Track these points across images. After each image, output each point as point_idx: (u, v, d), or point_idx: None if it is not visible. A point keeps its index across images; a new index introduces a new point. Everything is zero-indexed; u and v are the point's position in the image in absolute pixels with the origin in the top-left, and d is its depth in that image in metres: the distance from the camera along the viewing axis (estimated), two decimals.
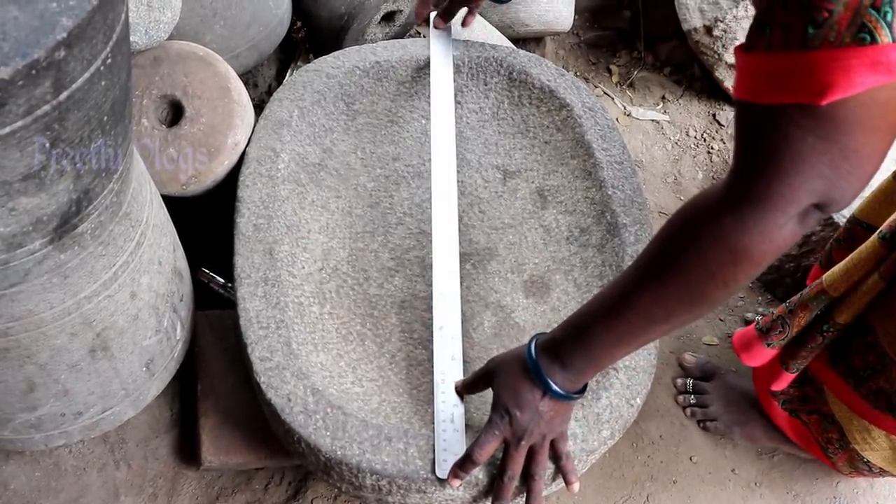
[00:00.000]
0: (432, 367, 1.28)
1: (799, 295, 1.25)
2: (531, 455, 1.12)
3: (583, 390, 1.10)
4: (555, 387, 1.06)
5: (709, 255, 0.90)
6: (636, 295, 0.98)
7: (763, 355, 1.32)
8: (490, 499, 1.14)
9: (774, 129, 0.80)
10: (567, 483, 1.16)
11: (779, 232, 0.86)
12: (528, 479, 1.13)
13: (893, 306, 1.16)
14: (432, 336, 1.30)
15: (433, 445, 1.14)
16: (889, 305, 1.17)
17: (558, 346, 1.07)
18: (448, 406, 1.19)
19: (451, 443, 1.14)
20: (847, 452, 1.35)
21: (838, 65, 0.73)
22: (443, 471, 1.12)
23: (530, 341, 1.10)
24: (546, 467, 1.14)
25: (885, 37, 0.72)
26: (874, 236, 1.15)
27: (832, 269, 1.21)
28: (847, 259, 1.19)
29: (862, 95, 0.75)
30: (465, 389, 1.20)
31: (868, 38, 0.72)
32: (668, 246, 0.95)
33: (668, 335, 1.05)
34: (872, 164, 0.81)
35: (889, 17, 0.71)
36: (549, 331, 1.11)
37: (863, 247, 1.17)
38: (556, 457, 1.15)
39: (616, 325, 1.01)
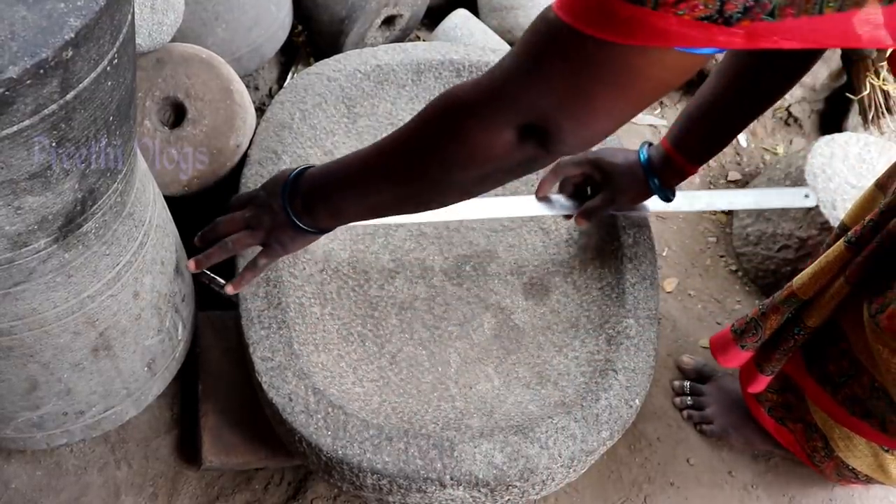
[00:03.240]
0: (432, 367, 1.29)
1: (771, 297, 1.26)
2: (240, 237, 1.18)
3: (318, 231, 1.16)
4: (299, 224, 1.13)
5: (437, 123, 0.95)
6: (370, 159, 1.05)
7: (738, 357, 1.33)
8: None
9: (553, 44, 0.82)
10: (226, 286, 1.23)
11: (497, 133, 0.89)
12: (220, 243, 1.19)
13: (860, 311, 1.17)
14: (432, 337, 1.31)
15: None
16: (857, 311, 1.18)
17: (308, 199, 1.11)
18: None
19: None
20: (832, 460, 1.36)
21: (616, 9, 0.74)
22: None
23: (291, 177, 1.14)
24: (237, 251, 1.20)
25: (649, 3, 0.72)
26: (840, 241, 1.17)
27: (802, 273, 1.22)
28: (815, 262, 1.20)
29: (626, 50, 0.76)
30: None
31: None
32: (419, 114, 1.00)
33: (407, 212, 1.11)
34: (594, 119, 0.84)
35: None
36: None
37: (830, 251, 1.18)
38: (252, 261, 1.20)
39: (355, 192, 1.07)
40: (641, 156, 1.34)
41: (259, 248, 1.20)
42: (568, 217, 1.41)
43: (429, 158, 0.97)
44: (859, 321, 1.17)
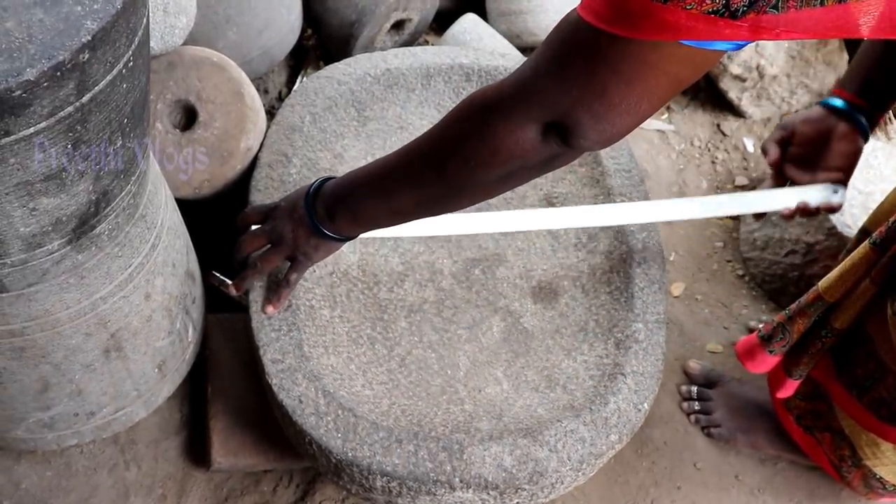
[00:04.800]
0: (441, 370, 1.29)
1: (797, 302, 1.27)
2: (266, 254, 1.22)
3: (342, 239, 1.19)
4: (323, 229, 1.15)
5: (461, 122, 0.98)
6: (399, 165, 1.07)
7: (766, 363, 1.33)
8: None
9: (573, 41, 0.84)
10: (264, 304, 1.24)
11: (520, 130, 0.92)
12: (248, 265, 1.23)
13: (886, 312, 1.17)
14: (441, 340, 1.31)
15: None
16: (882, 311, 1.18)
17: (330, 206, 1.14)
18: None
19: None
20: (860, 469, 1.36)
21: (628, 4, 0.76)
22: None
23: (312, 187, 1.17)
24: (269, 270, 1.23)
25: None
26: (866, 242, 1.17)
27: (828, 275, 1.22)
28: (841, 265, 1.20)
29: (639, 45, 0.79)
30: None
31: None
32: (444, 116, 1.02)
33: (427, 214, 1.12)
34: (613, 114, 0.86)
35: None
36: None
37: (855, 253, 1.19)
38: (285, 279, 1.23)
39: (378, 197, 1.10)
40: (826, 104, 1.37)
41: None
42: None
43: (452, 157, 0.99)
44: (885, 321, 1.17)
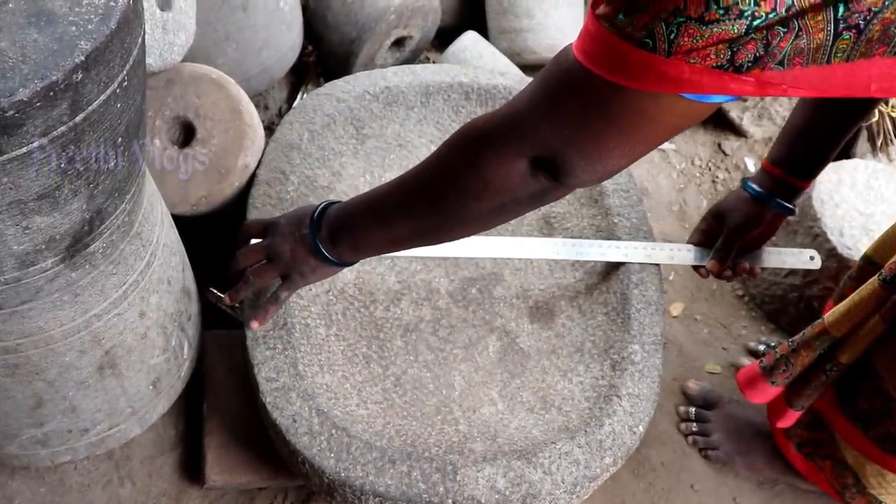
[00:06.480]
0: (436, 390, 1.29)
1: (801, 334, 1.25)
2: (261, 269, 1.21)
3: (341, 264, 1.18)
4: (325, 253, 1.15)
5: (455, 152, 0.98)
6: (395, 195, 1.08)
7: (767, 393, 1.32)
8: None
9: (568, 83, 0.84)
10: (249, 318, 1.23)
11: (511, 164, 0.92)
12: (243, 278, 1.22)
13: (894, 349, 1.16)
14: (437, 359, 1.31)
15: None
16: (892, 349, 1.17)
17: (333, 232, 1.14)
18: None
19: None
20: (864, 497, 1.35)
21: (629, 55, 0.75)
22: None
23: (318, 210, 1.16)
24: (261, 285, 1.22)
25: (662, 51, 0.73)
26: (875, 278, 1.16)
27: (834, 310, 1.21)
28: (848, 300, 1.19)
29: (638, 95, 0.78)
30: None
31: (650, 43, 0.73)
32: (440, 146, 1.03)
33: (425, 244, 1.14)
34: (605, 157, 0.86)
35: (673, 35, 0.72)
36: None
37: (863, 288, 1.17)
38: (274, 294, 1.22)
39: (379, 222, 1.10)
40: (749, 190, 1.39)
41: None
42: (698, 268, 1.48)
43: (446, 187, 0.99)
44: (892, 358, 1.16)
